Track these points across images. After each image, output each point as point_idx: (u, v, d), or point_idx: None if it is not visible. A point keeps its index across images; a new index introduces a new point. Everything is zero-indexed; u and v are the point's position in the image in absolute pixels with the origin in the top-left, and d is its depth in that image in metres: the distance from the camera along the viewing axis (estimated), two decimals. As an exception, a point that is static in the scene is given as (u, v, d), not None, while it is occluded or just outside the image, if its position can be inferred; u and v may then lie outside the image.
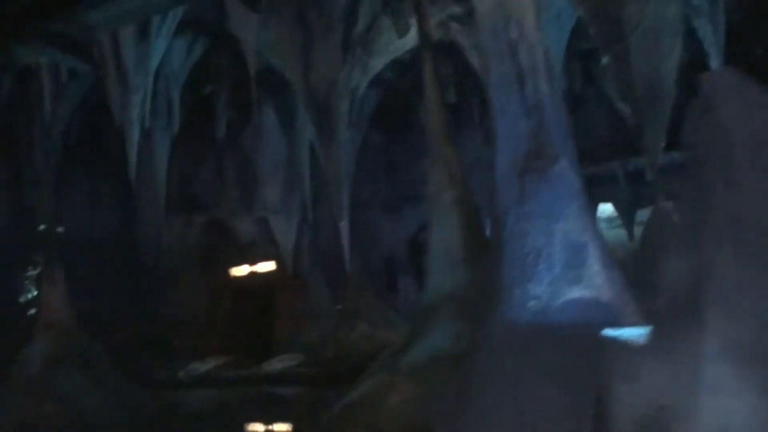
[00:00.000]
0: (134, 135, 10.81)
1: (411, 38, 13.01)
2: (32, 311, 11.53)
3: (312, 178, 16.86)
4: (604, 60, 9.93)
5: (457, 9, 12.43)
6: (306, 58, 11.62)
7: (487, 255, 6.22)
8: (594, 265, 4.42)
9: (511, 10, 5.09)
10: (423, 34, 6.82)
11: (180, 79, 12.61)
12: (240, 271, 16.72)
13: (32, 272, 12.11)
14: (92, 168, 14.71)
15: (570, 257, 4.46)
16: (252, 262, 16.61)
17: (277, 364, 9.78)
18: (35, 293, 11.76)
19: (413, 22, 12.48)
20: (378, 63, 12.58)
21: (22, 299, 12.06)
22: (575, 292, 4.37)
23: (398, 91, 16.84)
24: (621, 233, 17.41)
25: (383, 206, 19.02)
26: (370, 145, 17.67)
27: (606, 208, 17.62)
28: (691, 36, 10.18)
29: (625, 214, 16.76)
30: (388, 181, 18.50)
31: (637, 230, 16.65)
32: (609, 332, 3.76)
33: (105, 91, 11.59)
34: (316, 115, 11.76)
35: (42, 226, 9.88)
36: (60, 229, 9.63)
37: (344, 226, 16.36)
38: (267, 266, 16.60)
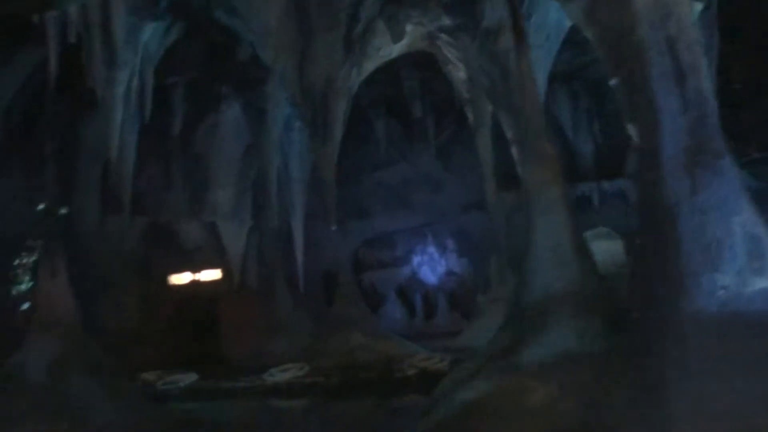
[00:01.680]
0: (117, 115, 9.67)
1: (398, 46, 12.92)
2: (26, 306, 9.81)
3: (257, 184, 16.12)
4: (613, 82, 10.42)
5: (447, 21, 12.50)
6: (304, 52, 11.09)
7: (586, 253, 6.19)
8: (775, 257, 4.51)
9: (669, 7, 5.16)
10: (517, 29, 6.68)
11: (154, 62, 11.52)
12: (180, 279, 15.44)
13: (26, 259, 10.29)
14: (28, 158, 12.96)
15: (751, 248, 4.53)
16: (195, 270, 15.42)
17: (282, 375, 8.95)
18: (30, 284, 9.99)
19: (408, 28, 12.45)
20: (369, 66, 12.29)
21: (13, 291, 10.19)
22: (763, 282, 4.43)
23: (355, 103, 16.50)
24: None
25: (326, 220, 18.47)
26: (319, 155, 17.12)
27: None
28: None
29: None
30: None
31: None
32: None
33: (78, 66, 10.30)
34: (310, 114, 11.21)
35: (41, 206, 8.45)
36: (63, 210, 8.21)
37: (299, 236, 15.75)
38: (212, 275, 15.48)
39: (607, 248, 13.86)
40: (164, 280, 15.30)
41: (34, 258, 10.13)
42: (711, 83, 5.08)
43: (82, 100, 13.69)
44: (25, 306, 9.80)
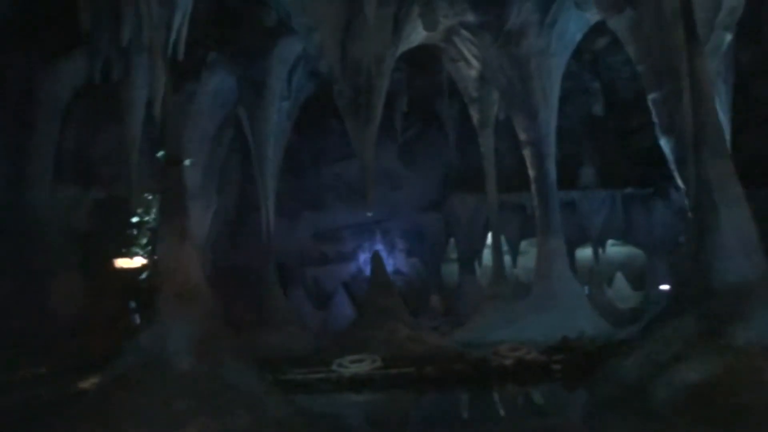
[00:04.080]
0: (164, 63, 8.17)
1: (421, 36, 12.59)
2: (145, 275, 7.68)
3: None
4: (652, 96, 11.03)
5: (472, 18, 12.43)
6: (350, 28, 10.38)
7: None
8: None
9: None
10: (689, 27, 6.71)
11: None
12: (130, 262, 13.52)
13: (144, 219, 8.02)
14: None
15: None
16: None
17: (357, 366, 8.06)
18: (148, 248, 7.81)
19: (441, 19, 12.18)
20: (398, 51, 11.81)
21: (131, 256, 7.86)
22: None
23: (320, 94, 15.42)
24: (505, 259, 18.78)
25: (279, 210, 17.38)
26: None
27: (493, 236, 18.89)
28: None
29: (512, 243, 18.14)
30: (291, 184, 17.00)
31: (520, 260, 18.23)
32: None
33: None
34: (350, 92, 10.49)
35: (160, 153, 6.80)
36: (187, 162, 6.54)
37: (271, 220, 14.68)
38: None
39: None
40: (112, 264, 13.29)
41: (152, 216, 8.18)
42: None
43: (44, 48, 11.58)
44: (145, 275, 7.89)
